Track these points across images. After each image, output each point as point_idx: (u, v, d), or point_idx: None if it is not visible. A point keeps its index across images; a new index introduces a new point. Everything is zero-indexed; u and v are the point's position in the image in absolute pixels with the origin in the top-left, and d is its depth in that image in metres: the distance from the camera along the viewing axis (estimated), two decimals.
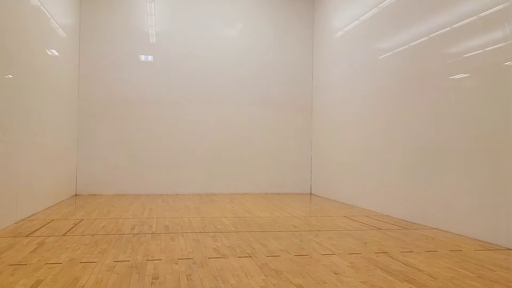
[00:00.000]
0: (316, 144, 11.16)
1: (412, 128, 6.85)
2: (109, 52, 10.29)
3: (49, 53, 7.94)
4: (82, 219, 6.50)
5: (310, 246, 4.91)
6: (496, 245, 4.98)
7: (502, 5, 5.04)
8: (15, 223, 5.99)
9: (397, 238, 5.38)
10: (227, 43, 10.94)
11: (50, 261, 4.01)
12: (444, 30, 6.13)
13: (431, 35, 6.43)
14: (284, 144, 11.18)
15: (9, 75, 6.02)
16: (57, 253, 4.30)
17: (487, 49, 5.31)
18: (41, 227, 5.74)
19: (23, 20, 6.54)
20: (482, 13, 5.37)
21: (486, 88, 5.31)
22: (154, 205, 8.37)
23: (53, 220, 6.40)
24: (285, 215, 7.32)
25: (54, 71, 8.19)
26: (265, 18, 11.22)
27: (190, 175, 10.53)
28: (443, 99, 6.11)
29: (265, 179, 10.94)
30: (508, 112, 4.93)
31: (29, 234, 5.30)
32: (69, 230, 5.61)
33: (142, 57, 10.45)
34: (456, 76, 5.87)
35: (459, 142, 5.72)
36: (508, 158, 4.93)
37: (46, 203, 7.66)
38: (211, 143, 10.72)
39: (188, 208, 7.96)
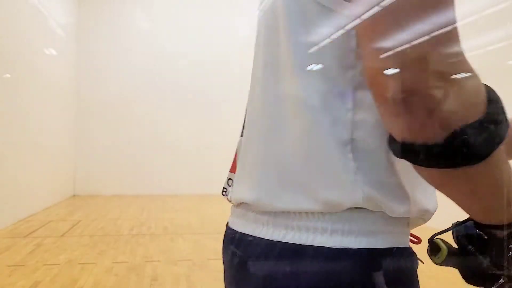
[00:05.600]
0: None
1: None
2: (109, 52, 10.26)
3: (48, 53, 7.91)
4: (81, 220, 6.47)
5: None
6: None
7: (502, 5, 5.02)
8: (13, 224, 5.96)
9: None
10: (227, 43, 10.91)
11: (48, 262, 3.98)
12: (444, 30, 6.11)
13: (431, 35, 6.41)
14: None
15: (7, 75, 5.99)
16: (55, 254, 4.27)
17: (487, 49, 5.30)
18: (39, 228, 5.71)
19: (21, 19, 6.51)
20: (483, 13, 5.36)
21: None
22: (153, 205, 8.34)
23: (52, 221, 6.37)
24: None
25: (52, 71, 8.16)
26: None
27: (190, 175, 10.50)
28: None
29: None
30: (508, 112, 4.91)
31: (27, 235, 5.27)
32: (68, 231, 5.58)
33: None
34: (456, 76, 5.85)
35: None
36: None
37: (44, 203, 7.62)
38: (211, 143, 10.68)
39: (188, 209, 7.94)
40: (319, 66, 0.57)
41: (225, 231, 0.71)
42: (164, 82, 10.49)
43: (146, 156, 10.31)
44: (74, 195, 9.82)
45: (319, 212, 0.54)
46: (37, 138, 7.20)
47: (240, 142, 0.74)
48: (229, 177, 0.72)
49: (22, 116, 6.49)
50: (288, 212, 0.55)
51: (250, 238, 0.59)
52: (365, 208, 0.53)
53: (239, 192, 0.65)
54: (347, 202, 0.52)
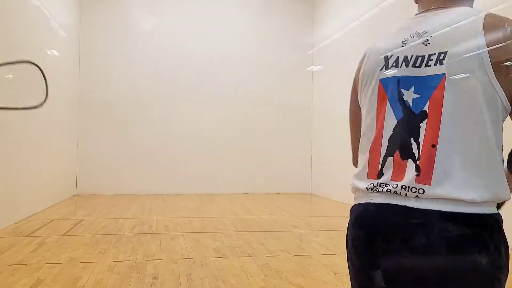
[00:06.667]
0: (316, 144, 11.16)
1: None
2: (109, 52, 10.29)
3: (49, 53, 7.94)
4: (82, 219, 6.50)
5: (310, 246, 4.91)
6: None
7: (502, 5, 5.03)
8: (15, 223, 5.99)
9: None
10: (227, 43, 10.93)
11: (50, 261, 4.01)
12: (444, 30, 6.12)
13: (431, 35, 6.42)
14: (284, 144, 11.17)
15: (9, 75, 6.02)
16: (57, 253, 4.30)
17: (487, 49, 5.30)
18: (41, 227, 5.75)
19: (23, 20, 6.54)
20: (482, 13, 5.36)
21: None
22: (154, 205, 8.37)
23: (53, 220, 6.40)
24: (285, 215, 7.33)
25: (54, 71, 8.17)
26: (265, 18, 11.22)
27: (190, 175, 10.52)
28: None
29: (265, 179, 10.93)
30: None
31: (29, 234, 5.30)
32: (69, 230, 5.62)
33: None
34: (456, 77, 5.86)
35: None
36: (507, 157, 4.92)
37: (46, 203, 7.66)
38: (211, 143, 10.71)
39: (188, 208, 7.96)
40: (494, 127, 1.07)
41: (403, 216, 1.08)
42: (164, 82, 10.51)
43: (146, 156, 10.34)
44: (76, 195, 9.86)
45: (495, 200, 1.05)
46: (38, 138, 7.23)
47: (396, 158, 1.14)
48: (418, 187, 1.06)
49: (25, 116, 6.52)
50: (485, 201, 1.02)
51: (468, 214, 1.02)
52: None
53: (449, 193, 1.03)
54: (504, 196, 1.06)
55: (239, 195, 10.34)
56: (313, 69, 11.29)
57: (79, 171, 9.99)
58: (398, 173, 1.10)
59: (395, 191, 1.09)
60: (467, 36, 1.12)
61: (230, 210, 7.73)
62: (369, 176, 1.17)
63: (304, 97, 11.30)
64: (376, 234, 1.15)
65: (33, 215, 6.76)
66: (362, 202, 1.20)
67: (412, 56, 1.18)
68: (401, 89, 1.15)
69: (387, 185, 1.11)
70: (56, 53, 8.23)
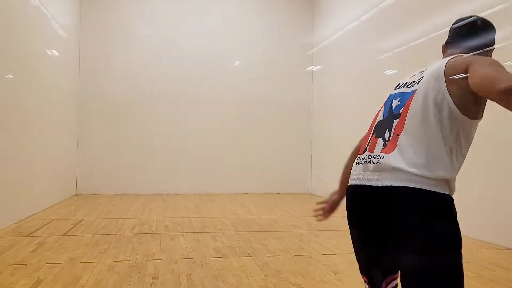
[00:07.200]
0: (316, 144, 11.16)
1: None
2: (109, 52, 10.29)
3: (49, 53, 7.94)
4: (83, 219, 6.50)
5: (310, 246, 4.91)
6: (496, 245, 4.98)
7: (502, 5, 5.04)
8: (15, 223, 6.00)
9: None
10: (227, 43, 10.94)
11: (50, 261, 4.01)
12: (444, 30, 6.12)
13: (431, 35, 6.42)
14: (284, 144, 11.17)
15: (10, 75, 6.03)
16: (58, 253, 4.30)
17: (487, 49, 5.30)
18: (42, 227, 5.75)
19: (23, 20, 6.54)
20: (482, 13, 5.36)
21: None
22: (154, 205, 8.37)
23: (53, 220, 6.41)
24: (285, 215, 7.33)
25: (54, 71, 8.19)
26: (265, 18, 11.22)
27: (191, 175, 10.52)
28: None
29: (265, 179, 10.93)
30: (509, 112, 4.92)
31: (29, 234, 5.30)
32: (70, 230, 5.62)
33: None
34: (456, 76, 5.86)
35: None
36: (508, 157, 4.92)
37: (46, 202, 7.66)
38: (211, 143, 10.71)
39: (188, 208, 7.97)
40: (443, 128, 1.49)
41: (365, 190, 1.57)
42: (164, 82, 10.51)
43: (147, 156, 10.34)
44: (76, 195, 9.86)
45: (435, 179, 1.42)
46: (39, 138, 7.24)
47: (371, 137, 1.66)
48: (381, 155, 1.53)
49: (25, 116, 6.52)
50: (423, 176, 1.41)
51: (409, 188, 1.43)
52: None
53: (398, 163, 1.46)
54: (446, 176, 1.44)
55: (239, 195, 10.34)
56: (313, 69, 11.29)
57: (79, 171, 9.99)
58: (372, 147, 1.60)
59: (367, 162, 1.58)
60: (438, 67, 1.57)
61: (230, 210, 7.73)
62: (359, 153, 1.68)
63: (304, 97, 11.30)
64: (356, 219, 1.77)
65: (33, 215, 6.76)
66: (348, 184, 1.71)
67: (409, 81, 1.68)
68: (393, 99, 1.68)
69: (364, 157, 1.61)
70: (56, 53, 8.23)
